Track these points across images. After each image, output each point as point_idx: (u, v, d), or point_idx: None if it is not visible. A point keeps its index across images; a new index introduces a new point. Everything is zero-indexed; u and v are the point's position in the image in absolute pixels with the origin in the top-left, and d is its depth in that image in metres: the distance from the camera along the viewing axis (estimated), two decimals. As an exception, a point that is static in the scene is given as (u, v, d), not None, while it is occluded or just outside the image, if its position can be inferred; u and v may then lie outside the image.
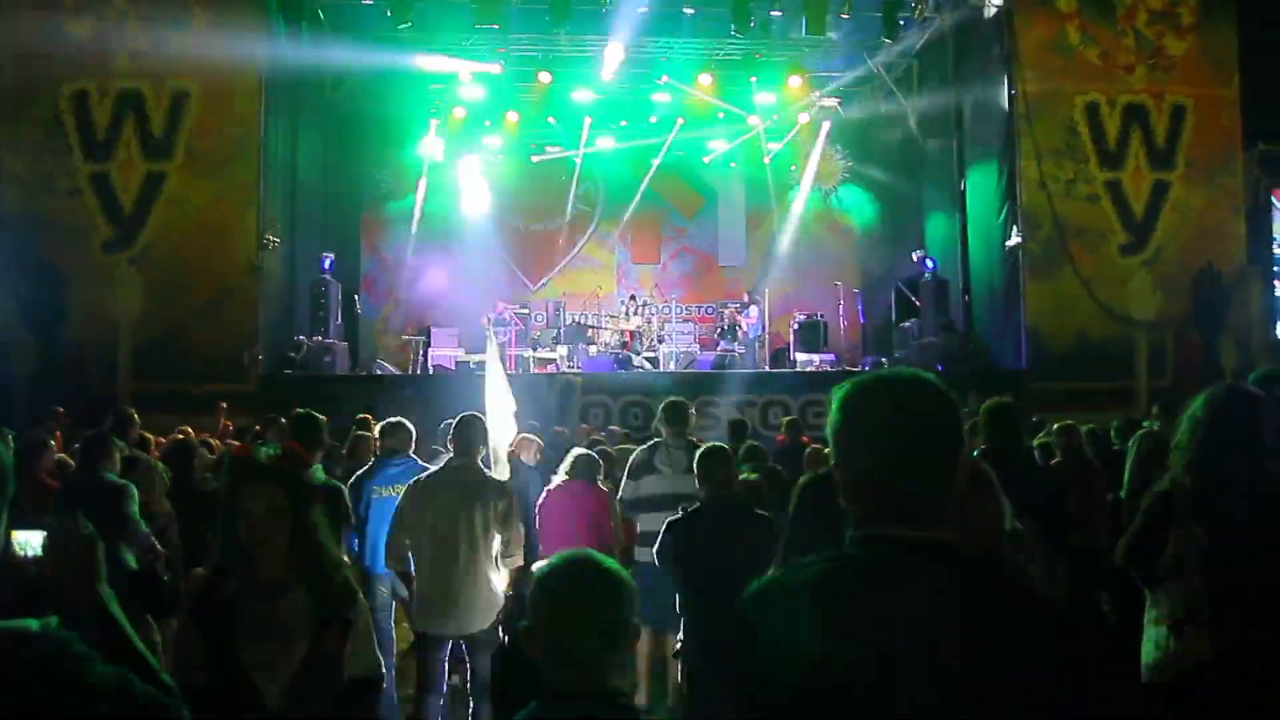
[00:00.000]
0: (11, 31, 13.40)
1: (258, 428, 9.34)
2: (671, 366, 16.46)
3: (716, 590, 3.58)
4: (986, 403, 5.84)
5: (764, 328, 17.80)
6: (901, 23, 16.19)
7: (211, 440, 9.66)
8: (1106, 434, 8.39)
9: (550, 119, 18.79)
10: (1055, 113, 14.97)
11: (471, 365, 15.51)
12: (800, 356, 16.90)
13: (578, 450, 7.06)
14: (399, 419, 6.99)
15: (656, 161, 19.32)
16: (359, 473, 6.70)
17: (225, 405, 11.51)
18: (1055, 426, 7.33)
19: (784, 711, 1.61)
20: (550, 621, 1.98)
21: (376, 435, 7.28)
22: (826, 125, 19.18)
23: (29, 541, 2.03)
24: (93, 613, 1.97)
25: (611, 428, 12.32)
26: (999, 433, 5.55)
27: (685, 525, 4.93)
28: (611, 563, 2.06)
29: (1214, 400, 3.37)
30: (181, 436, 8.61)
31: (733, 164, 19.89)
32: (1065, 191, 15.02)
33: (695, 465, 5.08)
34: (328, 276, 15.68)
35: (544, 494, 6.68)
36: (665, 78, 17.76)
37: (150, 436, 9.03)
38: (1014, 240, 14.99)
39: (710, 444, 5.31)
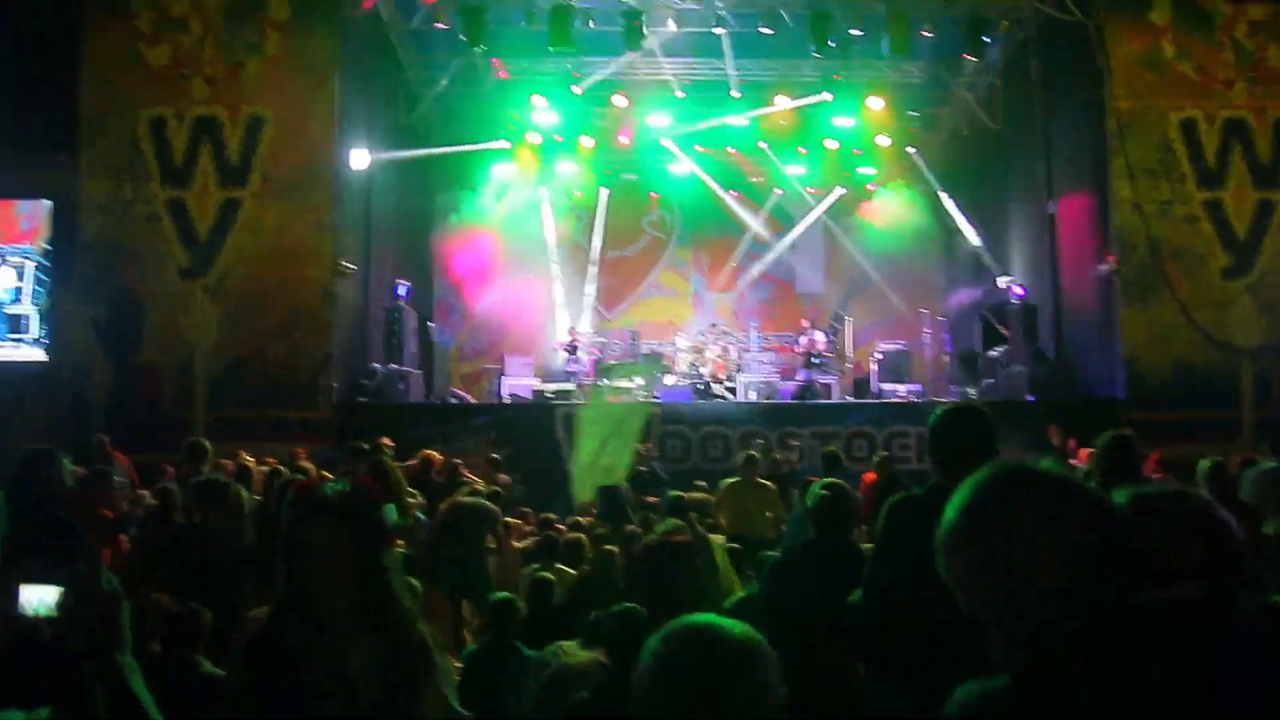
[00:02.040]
0: (92, 59, 13.59)
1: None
2: (751, 396, 16.03)
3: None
4: (1103, 437, 5.08)
5: (838, 354, 17.29)
6: (986, 40, 15.67)
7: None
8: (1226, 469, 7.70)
9: (624, 142, 18.59)
10: (1149, 130, 14.28)
11: (547, 395, 15.27)
12: (885, 386, 16.34)
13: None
14: None
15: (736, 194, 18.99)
16: None
17: (304, 451, 11.22)
18: (1203, 464, 6.16)
19: None
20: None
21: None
22: (907, 149, 18.67)
23: (42, 599, 1.62)
24: (111, 689, 1.61)
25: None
26: (1120, 471, 4.50)
27: None
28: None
29: None
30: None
31: (809, 189, 19.48)
32: (1161, 212, 14.31)
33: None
34: (402, 303, 15.57)
35: None
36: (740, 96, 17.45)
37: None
38: (1107, 265, 14.32)
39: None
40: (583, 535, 8.00)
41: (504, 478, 11.65)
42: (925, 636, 2.74)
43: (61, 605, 1.60)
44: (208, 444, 7.98)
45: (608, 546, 7.06)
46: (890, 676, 3.11)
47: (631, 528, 8.59)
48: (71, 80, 13.67)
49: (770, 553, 6.50)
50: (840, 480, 4.91)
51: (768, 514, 8.91)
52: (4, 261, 14.74)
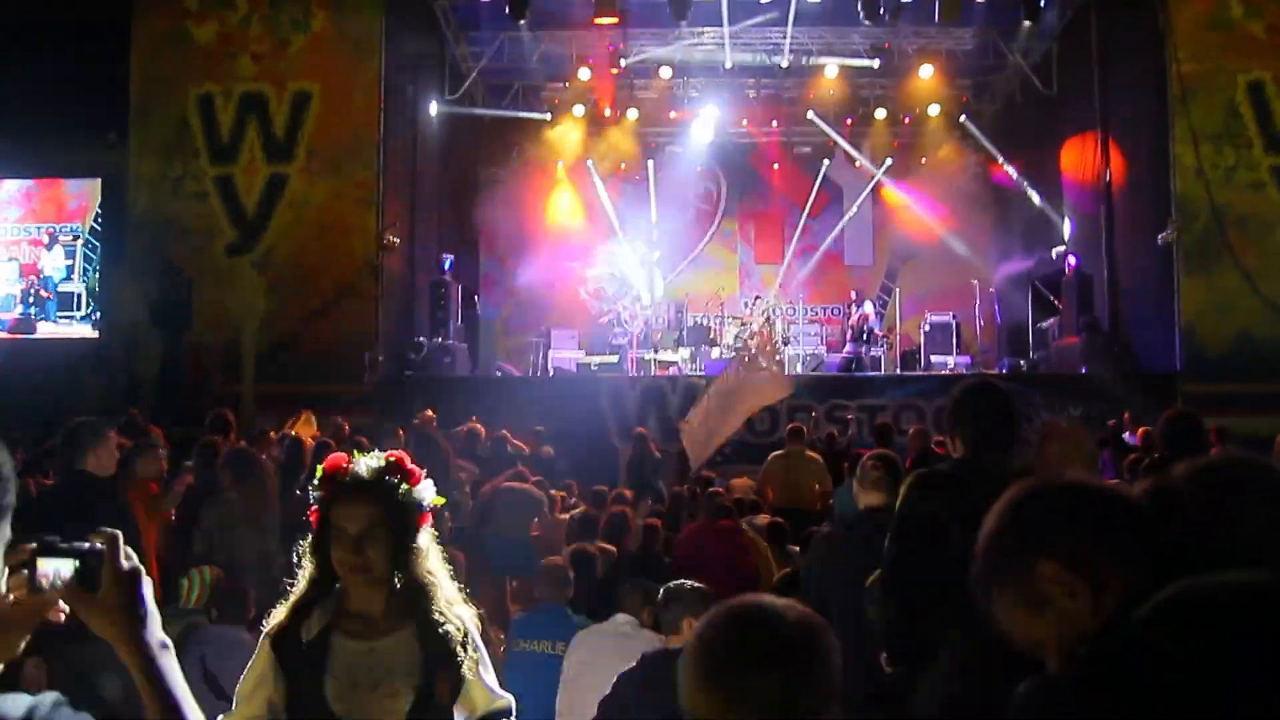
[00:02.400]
0: (141, 36, 13.67)
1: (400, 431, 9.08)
2: (798, 369, 15.84)
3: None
4: (1168, 415, 4.82)
5: (880, 324, 16.99)
6: (1041, 3, 15.24)
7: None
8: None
9: (671, 115, 18.39)
10: (1214, 94, 13.80)
11: (593, 367, 15.21)
12: (935, 358, 16.07)
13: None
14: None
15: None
16: None
17: (309, 411, 11.10)
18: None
19: None
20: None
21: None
22: (959, 118, 18.25)
23: (59, 573, 1.46)
24: (135, 672, 1.48)
25: None
26: (1184, 445, 4.28)
27: None
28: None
29: None
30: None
31: (858, 164, 19.15)
32: (1225, 179, 13.85)
33: None
34: (448, 277, 15.57)
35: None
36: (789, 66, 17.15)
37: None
38: (1167, 233, 13.91)
39: None
40: (628, 509, 7.93)
41: (547, 449, 11.61)
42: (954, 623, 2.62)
43: (76, 580, 1.46)
44: (231, 416, 7.96)
45: (650, 521, 6.98)
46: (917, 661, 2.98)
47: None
48: (122, 60, 13.77)
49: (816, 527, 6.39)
50: (889, 451, 4.79)
51: (815, 486, 8.77)
52: (55, 240, 14.96)
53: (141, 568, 1.50)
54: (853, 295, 17.31)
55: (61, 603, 1.45)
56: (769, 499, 8.75)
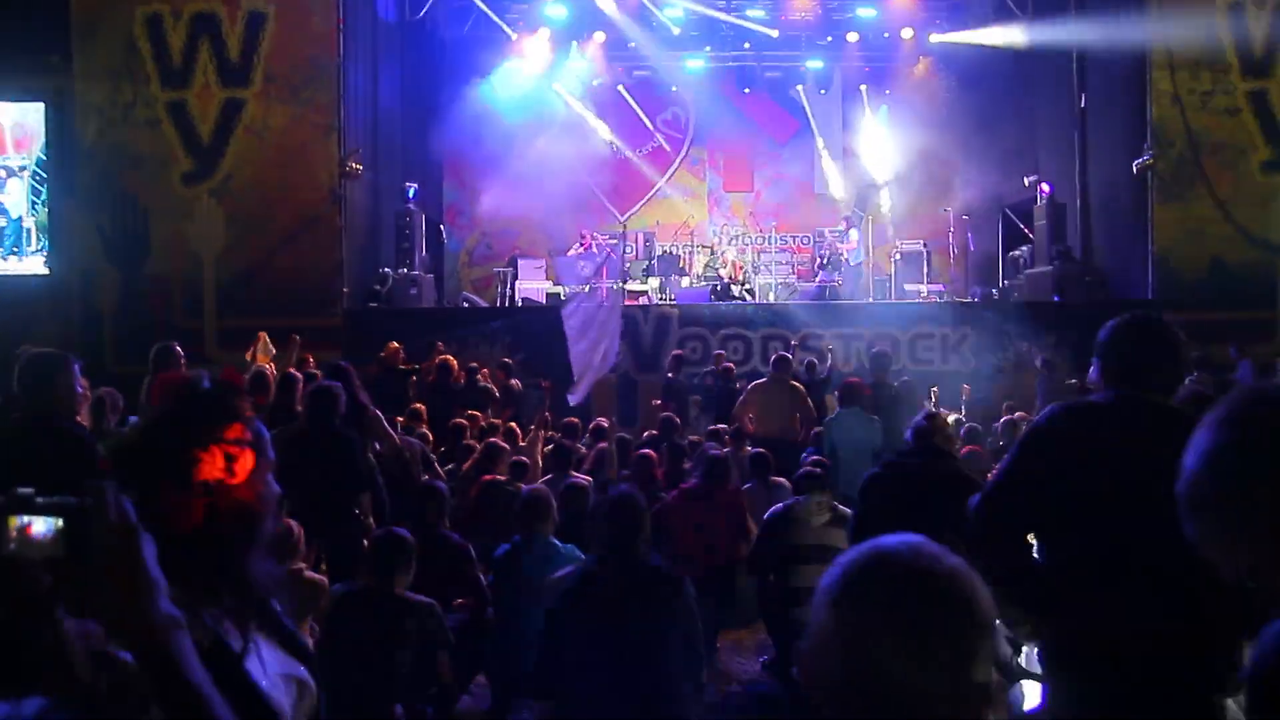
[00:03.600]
0: (84, -47, 12.98)
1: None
2: (770, 299, 15.67)
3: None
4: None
5: (866, 254, 16.79)
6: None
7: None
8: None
9: (637, 40, 17.89)
10: (1192, 16, 13.60)
11: (562, 297, 14.93)
12: (908, 286, 15.96)
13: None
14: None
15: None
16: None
17: (298, 338, 10.86)
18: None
19: None
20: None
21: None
22: (931, 40, 17.92)
23: (43, 531, 1.17)
24: (140, 659, 1.20)
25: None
26: None
27: None
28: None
29: None
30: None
31: (824, 91, 18.81)
32: (1201, 104, 13.71)
33: None
34: (412, 207, 15.15)
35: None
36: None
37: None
38: (1142, 159, 13.79)
39: None
40: (607, 444, 7.78)
41: (516, 383, 11.39)
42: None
43: (61, 543, 1.17)
44: (178, 349, 7.59)
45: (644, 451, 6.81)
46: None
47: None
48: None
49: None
50: (936, 413, 4.67)
51: (796, 416, 8.65)
52: (12, 174, 14.26)
53: (135, 526, 1.23)
54: (843, 223, 17.08)
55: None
56: (748, 429, 8.61)
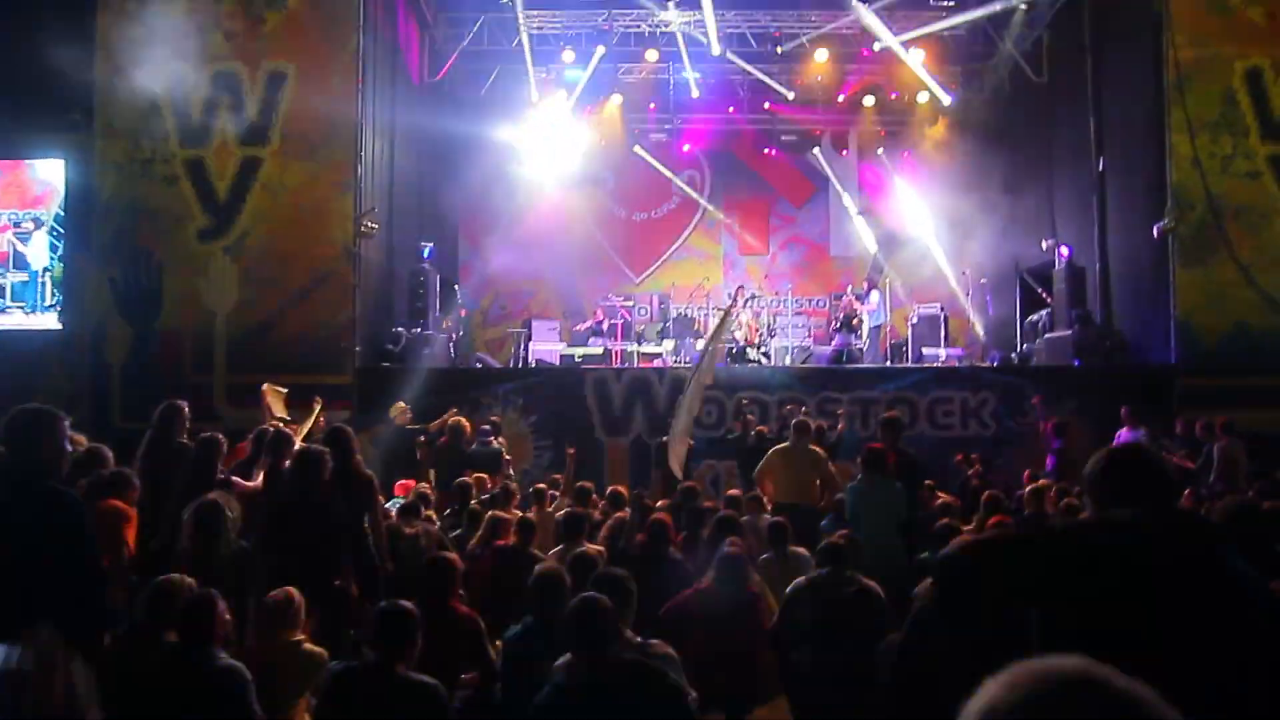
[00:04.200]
0: (106, 13, 13.10)
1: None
2: (786, 361, 15.50)
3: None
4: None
5: (886, 316, 16.63)
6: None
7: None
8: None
9: (653, 104, 17.98)
10: (1212, 81, 13.53)
11: (577, 359, 14.81)
12: (926, 350, 15.78)
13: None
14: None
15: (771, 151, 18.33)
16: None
17: (321, 400, 10.79)
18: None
19: None
20: None
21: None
22: (947, 103, 17.92)
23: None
24: None
25: None
26: None
27: None
28: None
29: None
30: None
31: (844, 151, 18.82)
32: (1222, 168, 13.59)
33: None
34: (427, 266, 15.10)
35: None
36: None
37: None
38: (1163, 223, 13.65)
39: None
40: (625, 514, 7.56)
41: (500, 441, 11.10)
42: None
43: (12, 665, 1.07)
44: (183, 405, 7.41)
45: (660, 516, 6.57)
46: None
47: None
48: (87, 38, 13.17)
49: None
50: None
51: (816, 482, 8.41)
52: (18, 227, 14.32)
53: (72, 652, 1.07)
54: (865, 285, 16.95)
55: None
56: (768, 493, 8.39)
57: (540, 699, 3.36)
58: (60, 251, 14.36)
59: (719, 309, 17.43)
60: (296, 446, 6.75)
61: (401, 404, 11.14)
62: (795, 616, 5.09)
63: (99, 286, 13.07)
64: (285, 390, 9.89)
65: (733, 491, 9.05)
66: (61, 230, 14.30)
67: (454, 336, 16.03)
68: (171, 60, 12.98)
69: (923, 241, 18.30)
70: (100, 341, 13.04)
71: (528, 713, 3.42)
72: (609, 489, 8.86)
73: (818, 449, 8.68)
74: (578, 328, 16.63)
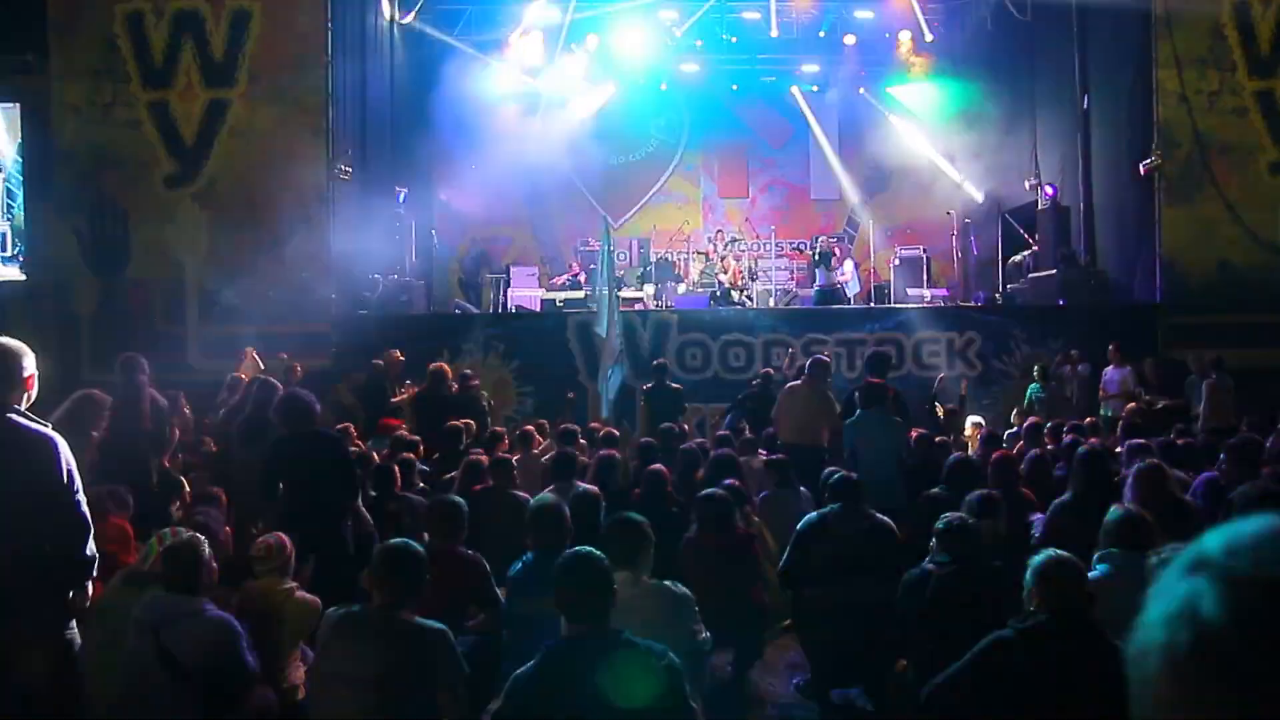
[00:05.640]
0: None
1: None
2: (770, 304, 15.32)
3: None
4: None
5: (859, 285, 16.48)
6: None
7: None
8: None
9: (632, 43, 17.52)
10: (1199, 16, 13.34)
11: (559, 303, 14.55)
12: (910, 291, 15.64)
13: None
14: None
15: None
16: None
17: (287, 355, 10.52)
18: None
19: None
20: None
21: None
22: (928, 40, 17.61)
23: None
24: None
25: None
26: None
27: None
28: None
29: None
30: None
31: (816, 88, 18.50)
32: (1208, 105, 13.44)
33: None
34: (402, 212, 14.73)
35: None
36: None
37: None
38: (1150, 161, 13.50)
39: None
40: (615, 452, 7.38)
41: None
42: None
43: None
44: (141, 359, 7.06)
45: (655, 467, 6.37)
46: None
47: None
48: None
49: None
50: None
51: (825, 429, 8.21)
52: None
53: None
54: (836, 250, 16.68)
55: None
56: (780, 432, 8.24)
57: (522, 672, 3.07)
58: (20, 201, 13.88)
59: (699, 252, 17.23)
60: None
61: (396, 352, 10.93)
62: (807, 553, 4.93)
63: (64, 237, 12.64)
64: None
65: (722, 432, 8.91)
66: (20, 178, 13.82)
67: (430, 283, 15.72)
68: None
69: (903, 183, 18.08)
70: (66, 293, 12.64)
71: (510, 686, 3.14)
72: (597, 430, 8.68)
73: (828, 393, 8.45)
74: (555, 280, 16.35)
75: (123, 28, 12.69)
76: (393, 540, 3.67)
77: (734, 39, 17.65)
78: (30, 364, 3.65)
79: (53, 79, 12.77)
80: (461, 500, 4.97)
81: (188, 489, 6.12)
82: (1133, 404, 10.97)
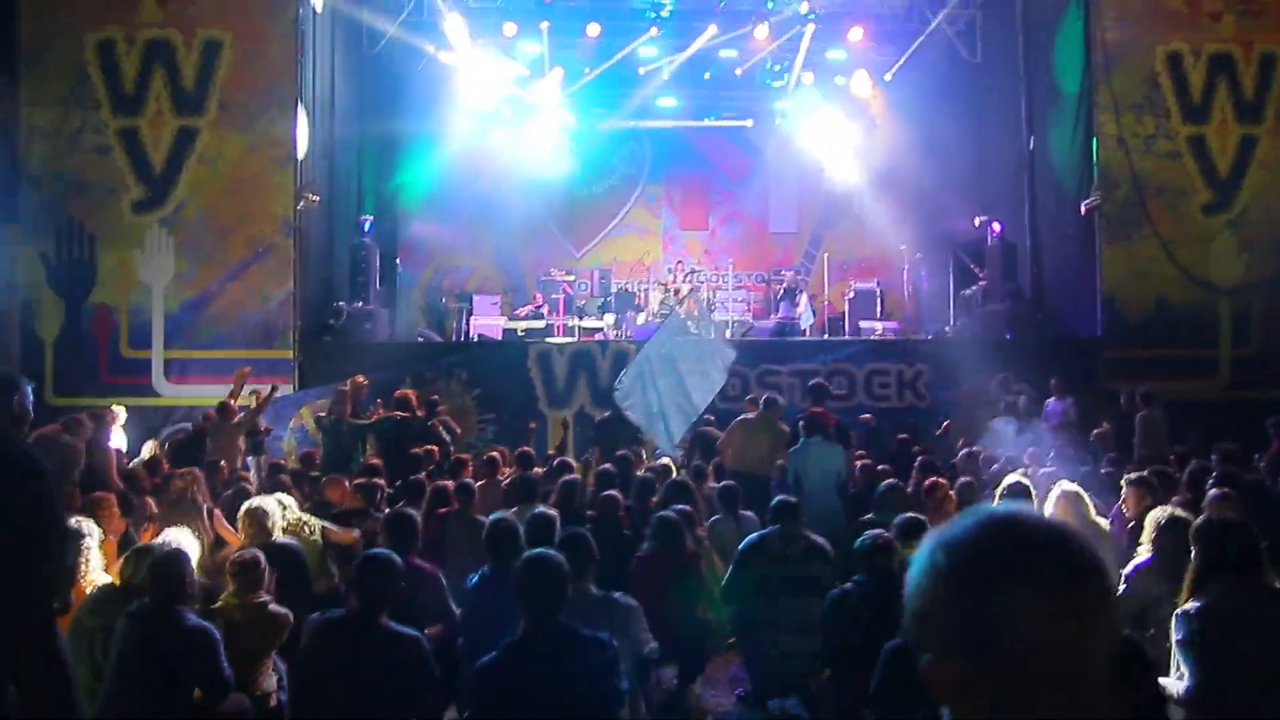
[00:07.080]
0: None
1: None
2: (727, 335, 15.70)
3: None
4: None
5: (813, 318, 16.91)
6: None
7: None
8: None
9: (593, 73, 17.90)
10: (1135, 63, 14.00)
11: (520, 333, 14.85)
12: (863, 324, 16.10)
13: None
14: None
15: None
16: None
17: (249, 369, 10.81)
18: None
19: None
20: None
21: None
22: (884, 80, 18.17)
23: None
24: None
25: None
26: None
27: None
28: None
29: None
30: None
31: (779, 120, 18.99)
32: (1145, 148, 14.07)
33: None
34: (367, 240, 14.99)
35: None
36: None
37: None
38: (1091, 200, 14.08)
39: None
40: (577, 476, 7.68)
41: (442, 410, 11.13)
42: None
43: None
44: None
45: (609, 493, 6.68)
46: None
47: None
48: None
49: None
50: None
51: (777, 460, 8.52)
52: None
53: None
54: (795, 285, 17.11)
55: None
56: (727, 460, 8.56)
57: (485, 662, 3.39)
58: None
59: (659, 283, 17.60)
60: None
61: (360, 378, 11.17)
62: (747, 571, 5.27)
63: (29, 259, 12.77)
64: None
65: (664, 461, 9.05)
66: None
67: (394, 311, 15.96)
68: (102, 27, 12.72)
69: (861, 214, 18.58)
70: (31, 315, 12.77)
71: (474, 676, 3.45)
72: (556, 459, 8.94)
73: (784, 427, 8.75)
74: (518, 311, 16.64)
75: (94, 55, 12.89)
76: (372, 550, 3.95)
77: (707, 75, 18.12)
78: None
79: (21, 104, 12.92)
80: (414, 513, 5.27)
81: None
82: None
